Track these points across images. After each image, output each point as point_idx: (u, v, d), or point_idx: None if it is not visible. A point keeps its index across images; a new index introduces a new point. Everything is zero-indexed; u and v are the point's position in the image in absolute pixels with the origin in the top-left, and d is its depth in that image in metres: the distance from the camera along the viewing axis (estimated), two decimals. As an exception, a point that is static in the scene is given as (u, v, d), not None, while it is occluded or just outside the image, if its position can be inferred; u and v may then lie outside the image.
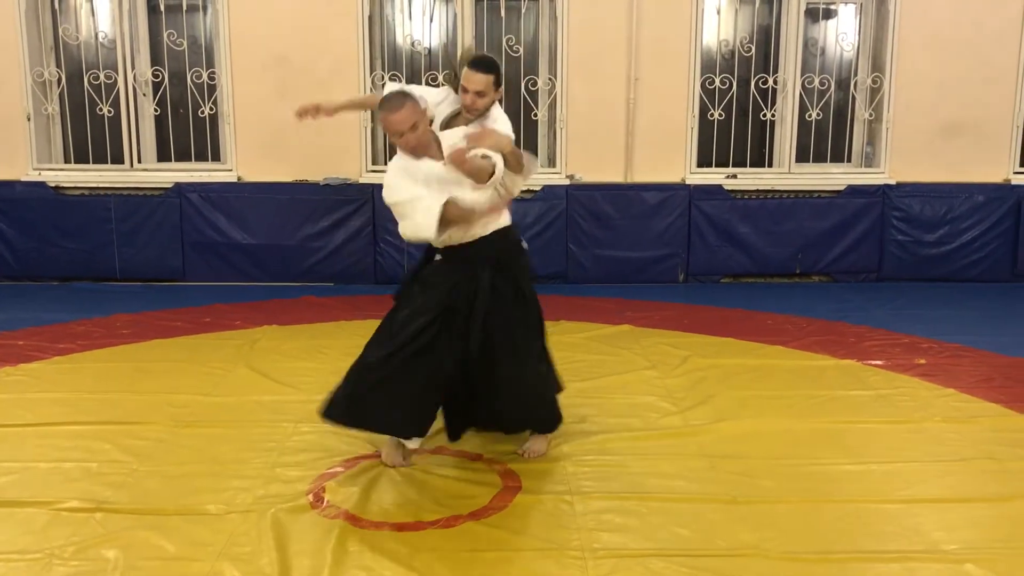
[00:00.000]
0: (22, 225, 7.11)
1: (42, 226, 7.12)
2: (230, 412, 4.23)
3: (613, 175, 7.27)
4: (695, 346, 5.33)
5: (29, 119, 7.13)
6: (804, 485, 3.47)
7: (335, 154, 7.20)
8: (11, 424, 4.07)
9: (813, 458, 3.73)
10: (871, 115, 7.40)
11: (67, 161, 7.36)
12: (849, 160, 7.56)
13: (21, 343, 5.34)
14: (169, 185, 7.14)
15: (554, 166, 7.35)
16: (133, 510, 3.25)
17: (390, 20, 7.38)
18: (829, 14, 7.44)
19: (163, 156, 7.41)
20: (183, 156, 7.38)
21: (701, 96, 7.25)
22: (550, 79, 7.24)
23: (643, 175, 7.27)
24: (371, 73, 7.18)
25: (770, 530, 3.10)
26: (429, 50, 7.34)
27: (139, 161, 7.28)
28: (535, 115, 7.33)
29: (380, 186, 7.28)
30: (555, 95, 7.20)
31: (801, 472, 3.59)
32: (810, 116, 7.36)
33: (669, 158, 7.27)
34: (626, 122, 7.19)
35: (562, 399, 4.37)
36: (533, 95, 7.29)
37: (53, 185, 7.14)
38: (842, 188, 7.29)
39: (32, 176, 7.15)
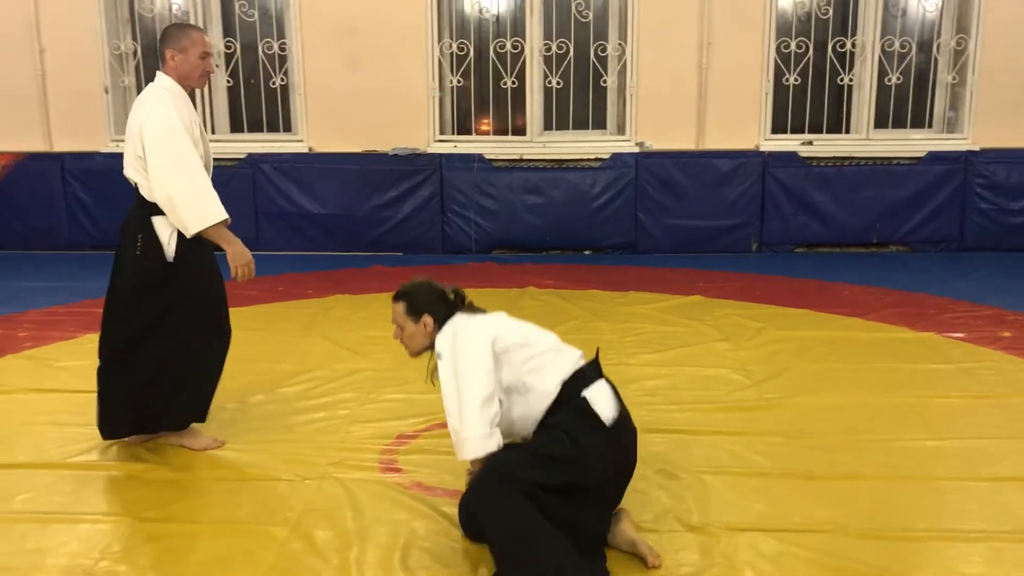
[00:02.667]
0: (101, 195, 7.29)
1: (120, 197, 7.19)
2: (304, 379, 4.28)
3: (684, 142, 7.15)
4: (769, 317, 5.23)
5: (107, 92, 7.28)
6: (883, 461, 3.39)
7: (403, 124, 7.21)
8: (92, 390, 4.13)
9: (892, 433, 3.64)
10: (954, 78, 7.14)
11: (143, 132, 7.49)
12: (930, 126, 7.30)
13: (101, 311, 5.47)
14: (242, 156, 7.24)
15: (623, 134, 7.25)
16: (210, 475, 3.32)
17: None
18: (911, -27, 7.17)
19: (236, 127, 7.50)
20: (255, 127, 7.46)
21: (776, 60, 7.07)
22: (620, 45, 7.13)
23: (715, 142, 7.13)
24: (439, 42, 7.15)
25: (848, 506, 3.03)
26: (497, 17, 7.27)
27: (213, 132, 7.39)
28: (604, 82, 7.23)
29: (447, 156, 7.31)
30: (625, 61, 7.09)
31: (880, 448, 3.50)
32: (889, 80, 7.12)
33: (742, 124, 7.11)
34: (698, 88, 7.05)
35: (633, 371, 4.36)
36: (602, 61, 7.18)
37: (130, 156, 7.28)
38: (922, 154, 7.06)
39: (110, 148, 7.31)
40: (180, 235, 3.32)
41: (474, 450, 2.71)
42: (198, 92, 7.25)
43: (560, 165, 7.20)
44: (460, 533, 2.87)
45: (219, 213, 3.30)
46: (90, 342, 4.87)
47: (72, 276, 6.52)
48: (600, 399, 2.76)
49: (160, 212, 3.31)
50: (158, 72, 3.40)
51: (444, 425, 3.64)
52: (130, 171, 3.37)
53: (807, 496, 3.12)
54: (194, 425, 3.59)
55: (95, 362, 4.51)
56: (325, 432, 3.70)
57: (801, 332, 4.97)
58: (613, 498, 2.85)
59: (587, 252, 7.25)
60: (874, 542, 2.81)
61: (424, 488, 3.20)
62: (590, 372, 2.83)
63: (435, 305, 2.92)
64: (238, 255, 3.37)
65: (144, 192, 3.34)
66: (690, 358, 4.58)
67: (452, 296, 2.96)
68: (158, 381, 3.41)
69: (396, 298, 2.97)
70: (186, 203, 3.24)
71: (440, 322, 2.89)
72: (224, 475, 3.33)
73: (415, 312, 2.91)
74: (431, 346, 2.90)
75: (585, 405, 2.73)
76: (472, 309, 2.95)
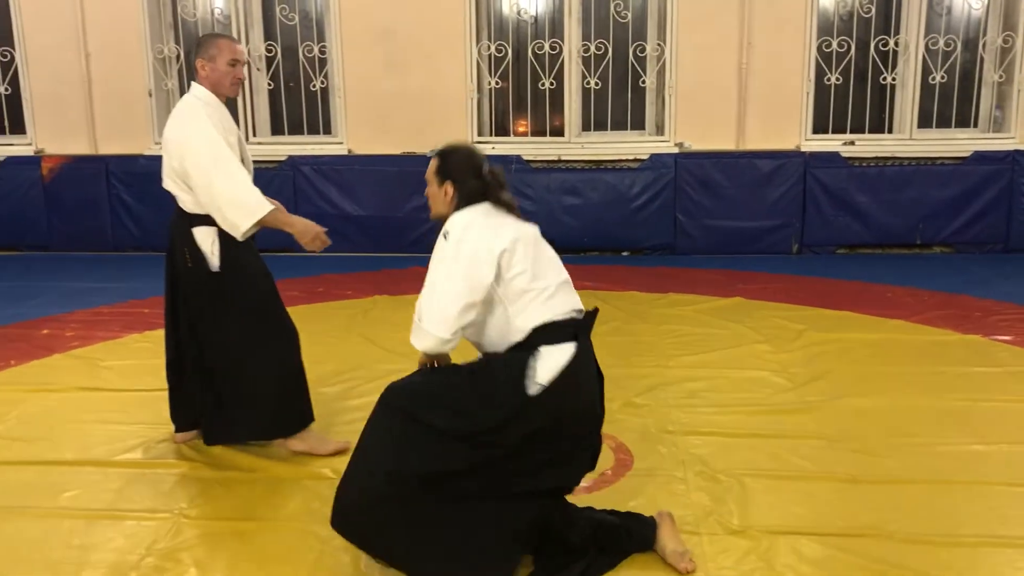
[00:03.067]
0: (145, 197, 7.40)
1: (164, 199, 7.32)
2: (343, 379, 4.31)
3: (724, 143, 7.10)
4: (810, 320, 5.17)
5: (150, 95, 7.39)
6: (928, 465, 3.34)
7: (441, 126, 7.23)
8: (138, 389, 4.25)
9: (938, 437, 3.58)
10: (1001, 77, 7.01)
11: (186, 135, 7.60)
12: (975, 125, 7.19)
13: (146, 311, 5.57)
14: (283, 158, 7.31)
15: (663, 134, 7.22)
16: (254, 474, 3.35)
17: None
18: (956, -29, 7.06)
19: (276, 130, 7.58)
20: (295, 129, 7.54)
21: (817, 60, 7.00)
22: (659, 45, 7.10)
23: (756, 142, 7.07)
24: (477, 43, 7.17)
25: (892, 511, 2.99)
26: (535, 18, 7.28)
27: (254, 135, 7.47)
28: (643, 82, 7.21)
29: (486, 157, 7.33)
30: (664, 61, 7.06)
31: (925, 451, 3.45)
32: (934, 79, 7.02)
33: (783, 125, 7.05)
34: (738, 88, 7.00)
35: (672, 373, 4.34)
36: (641, 61, 7.16)
37: (173, 159, 7.39)
38: (967, 154, 6.95)
39: (154, 150, 7.42)
40: (223, 243, 3.32)
41: (426, 346, 2.64)
42: (239, 95, 7.32)
43: (598, 166, 7.19)
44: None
45: (263, 205, 3.30)
46: (135, 342, 4.98)
47: (117, 277, 6.63)
48: (545, 365, 2.55)
49: (200, 222, 3.33)
50: (192, 82, 3.42)
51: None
52: (168, 182, 3.38)
53: (850, 500, 3.08)
54: (314, 429, 3.56)
55: (140, 361, 4.63)
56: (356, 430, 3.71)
57: (843, 334, 4.91)
58: (529, 479, 2.60)
59: (625, 253, 7.23)
60: (919, 547, 2.77)
61: (463, 488, 3.20)
62: (567, 330, 2.63)
63: (463, 176, 2.74)
64: (303, 232, 3.37)
65: (182, 203, 3.36)
66: (731, 360, 4.55)
67: (488, 176, 2.75)
68: (249, 388, 3.41)
69: (435, 153, 2.83)
70: (231, 203, 3.26)
71: (462, 197, 2.72)
72: (267, 474, 3.36)
73: (442, 175, 2.77)
74: (444, 217, 2.75)
75: (525, 364, 2.56)
76: (502, 202, 2.73)
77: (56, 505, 3.14)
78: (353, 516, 2.65)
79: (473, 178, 2.72)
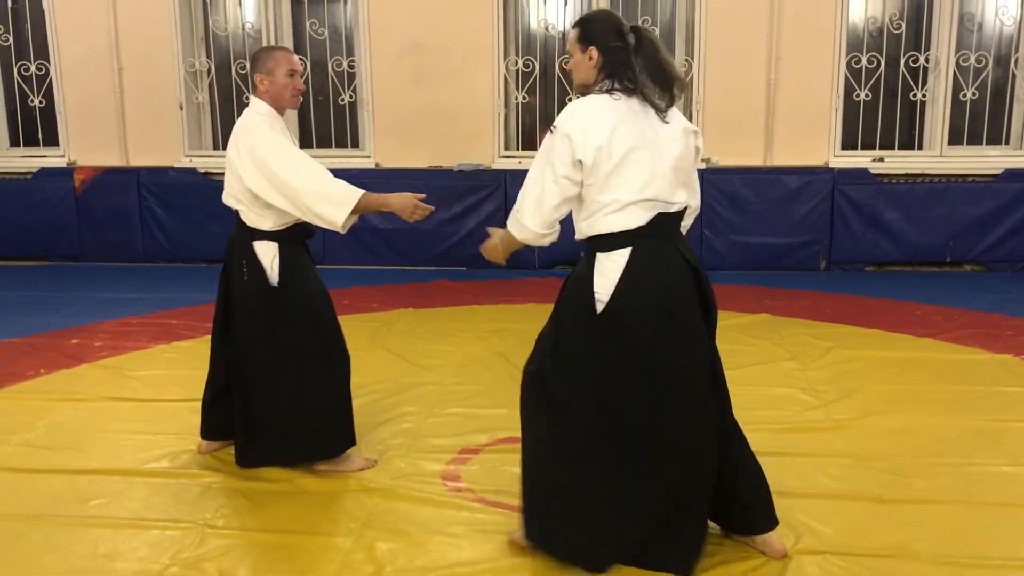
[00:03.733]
0: (175, 209, 7.49)
1: (193, 210, 7.48)
2: (368, 392, 4.32)
3: (752, 158, 7.07)
4: (838, 337, 5.13)
5: (181, 108, 7.47)
6: (957, 485, 3.29)
7: (468, 140, 7.26)
8: (165, 399, 4.29)
9: (967, 457, 3.53)
10: (1033, 93, 6.95)
11: (216, 148, 7.69)
12: (1007, 142, 7.11)
13: (174, 322, 5.62)
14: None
15: (689, 150, 7.19)
16: (277, 486, 3.36)
17: (524, 4, 7.38)
18: (988, -14, 7.00)
19: (304, 143, 7.64)
20: (323, 143, 7.60)
21: (846, 75, 6.96)
22: (686, 60, 7.09)
23: (783, 158, 7.04)
24: (505, 59, 7.20)
25: (920, 531, 2.95)
26: (563, 34, 7.29)
27: (282, 148, 7.52)
28: (670, 98, 7.19)
29: (511, 172, 7.33)
30: (691, 76, 7.05)
31: (954, 472, 3.40)
32: (964, 96, 6.95)
33: (811, 141, 7.01)
34: (766, 103, 6.97)
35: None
36: (669, 78, 7.14)
37: (203, 171, 7.48)
38: (999, 172, 6.87)
39: (184, 163, 7.50)
40: (283, 259, 3.31)
41: (524, 238, 2.70)
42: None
43: (625, 181, 7.16)
44: (524, 548, 2.86)
45: (353, 192, 3.20)
46: (162, 352, 5.03)
47: (146, 288, 6.70)
48: (602, 279, 2.62)
49: (262, 236, 3.30)
50: (252, 97, 3.41)
51: (507, 440, 3.66)
52: (230, 199, 3.37)
53: (877, 519, 3.04)
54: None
55: (167, 372, 4.67)
56: (388, 445, 3.73)
57: (871, 352, 4.86)
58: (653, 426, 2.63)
59: (651, 269, 7.19)
60: (947, 568, 2.73)
61: (487, 502, 3.20)
62: (623, 238, 2.61)
63: (607, 39, 2.67)
64: (403, 207, 3.26)
65: (244, 218, 3.34)
66: (757, 377, 4.51)
67: (631, 36, 2.65)
68: (292, 411, 3.37)
69: (576, 22, 2.79)
70: (320, 200, 3.18)
71: (607, 62, 2.65)
72: (292, 485, 3.37)
73: (585, 40, 2.71)
74: (590, 86, 2.71)
75: (590, 283, 2.63)
76: (624, 86, 2.63)
77: (82, 514, 3.17)
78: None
79: (616, 40, 2.66)
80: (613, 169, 2.58)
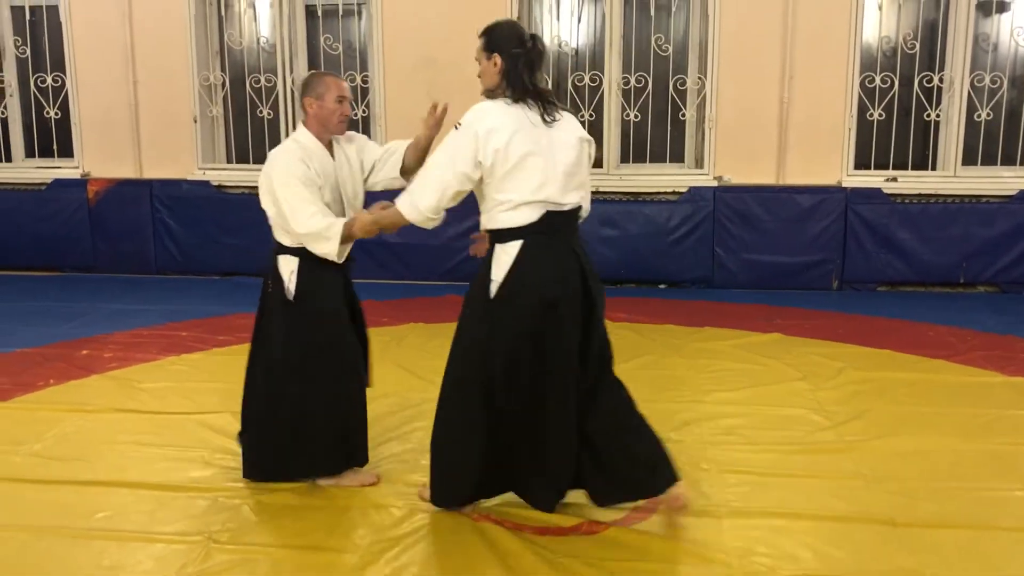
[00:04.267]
0: (187, 222, 7.51)
1: (205, 223, 7.50)
2: (375, 407, 4.31)
3: (764, 177, 7.06)
4: (850, 357, 5.09)
5: (195, 121, 7.51)
6: (969, 510, 3.26)
7: (481, 155, 7.25)
8: (173, 412, 4.29)
9: (979, 481, 3.49)
10: (1048, 114, 6.91)
11: (229, 161, 7.72)
12: (1022, 163, 7.06)
13: (184, 334, 5.63)
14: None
15: (702, 167, 7.19)
16: (284, 500, 3.35)
17: (538, 20, 7.40)
18: (1003, 7, 6.97)
19: (317, 156, 7.65)
20: (336, 156, 7.60)
21: (860, 95, 6.94)
22: (699, 78, 7.09)
23: (796, 177, 7.02)
24: (518, 74, 7.20)
25: (932, 556, 2.92)
26: (576, 50, 7.31)
27: (295, 161, 7.55)
28: (683, 115, 7.19)
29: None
30: (704, 94, 7.04)
31: (966, 496, 3.36)
32: (979, 116, 6.93)
33: (824, 159, 6.99)
34: (779, 122, 6.96)
35: (708, 408, 4.29)
36: (681, 94, 7.15)
37: (216, 184, 7.51)
38: (1014, 193, 6.83)
39: (197, 175, 7.53)
40: (300, 273, 3.36)
41: (412, 218, 3.06)
42: (283, 122, 7.44)
43: (636, 198, 7.17)
44: (528, 571, 2.84)
45: (331, 227, 3.27)
46: (172, 364, 5.03)
47: (157, 300, 6.71)
48: (497, 266, 2.99)
49: (284, 251, 3.41)
50: (299, 124, 3.46)
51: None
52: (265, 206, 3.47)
53: (888, 543, 3.01)
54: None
55: (176, 384, 4.68)
56: (397, 460, 3.71)
57: (883, 373, 4.82)
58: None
59: (662, 286, 7.18)
60: (960, 595, 2.70)
61: (493, 520, 3.18)
62: (517, 232, 2.96)
63: (508, 47, 3.00)
64: (363, 230, 3.30)
65: (274, 232, 3.45)
66: (768, 397, 4.48)
67: (530, 43, 3.00)
68: (295, 425, 3.38)
69: (481, 32, 3.13)
70: (313, 239, 3.29)
71: (509, 68, 2.99)
72: (297, 500, 3.36)
73: (488, 49, 3.06)
74: (494, 91, 3.05)
75: (488, 269, 3.01)
76: (531, 94, 2.98)
77: (88, 526, 3.16)
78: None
79: (517, 47, 2.98)
80: (509, 171, 2.91)
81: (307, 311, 3.36)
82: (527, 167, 2.91)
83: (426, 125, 3.50)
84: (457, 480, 3.16)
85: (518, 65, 2.96)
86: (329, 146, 3.45)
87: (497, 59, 3.00)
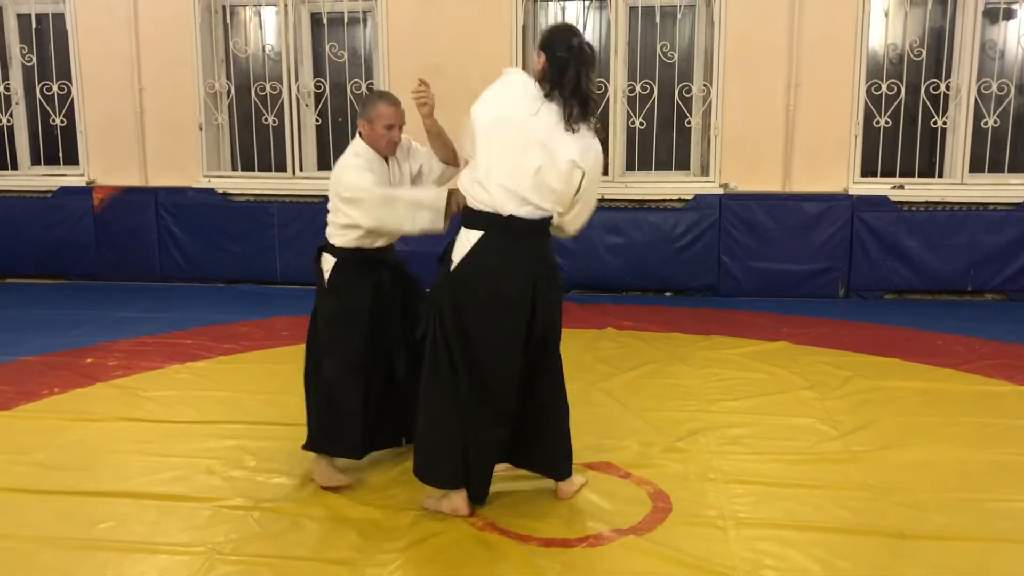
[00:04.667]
0: (192, 229, 7.51)
1: (210, 231, 7.50)
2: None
3: (770, 184, 7.03)
4: (857, 366, 5.06)
5: (201, 128, 7.51)
6: (980, 521, 3.22)
7: (486, 162, 7.25)
8: (177, 420, 4.27)
9: (989, 492, 3.46)
10: (1056, 121, 6.88)
11: (234, 169, 7.72)
12: (1029, 170, 7.04)
13: (189, 342, 5.62)
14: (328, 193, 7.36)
15: (707, 175, 7.17)
16: (288, 511, 3.33)
17: (542, 29, 7.38)
18: (1010, 14, 6.95)
19: (323, 164, 7.65)
20: (342, 164, 7.60)
21: (866, 102, 6.92)
22: (705, 86, 7.07)
23: (802, 184, 6.99)
24: (524, 82, 7.19)
25: (941, 568, 2.89)
26: (582, 58, 7.29)
27: (301, 169, 7.55)
28: (688, 123, 7.17)
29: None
30: (710, 102, 7.03)
31: (976, 507, 3.33)
32: (986, 123, 6.90)
33: (831, 167, 6.96)
34: (785, 129, 6.94)
35: (714, 418, 4.26)
36: (687, 102, 7.13)
37: (221, 192, 7.50)
38: (1021, 200, 6.80)
39: (202, 183, 7.53)
40: (335, 267, 3.55)
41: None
42: (287, 129, 7.44)
43: (642, 205, 7.15)
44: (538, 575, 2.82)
45: (438, 196, 3.40)
46: (176, 373, 5.02)
47: (162, 307, 6.70)
48: (460, 247, 3.17)
49: (326, 249, 3.60)
50: (357, 135, 3.65)
51: (514, 468, 3.62)
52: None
53: (896, 556, 2.98)
54: (339, 461, 3.63)
55: (181, 392, 4.68)
56: (395, 470, 3.68)
57: (891, 382, 4.79)
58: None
59: (668, 294, 7.16)
60: (970, 609, 2.67)
61: (497, 529, 3.15)
62: (482, 219, 3.11)
63: (553, 49, 3.13)
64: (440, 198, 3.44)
65: (329, 230, 3.61)
66: (774, 406, 4.45)
67: (576, 48, 3.10)
68: (318, 403, 3.62)
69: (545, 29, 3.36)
70: (404, 223, 3.46)
71: (551, 66, 3.11)
72: (302, 510, 3.34)
73: (540, 46, 3.19)
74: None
75: (452, 244, 3.23)
76: (564, 95, 3.09)
77: (91, 536, 3.15)
78: None
79: (563, 51, 3.08)
80: (481, 141, 3.12)
81: (333, 306, 3.58)
82: (501, 143, 3.10)
83: (419, 112, 3.68)
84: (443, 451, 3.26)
85: (556, 66, 3.08)
86: (385, 157, 3.66)
87: (543, 57, 3.14)
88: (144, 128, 7.55)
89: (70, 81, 7.62)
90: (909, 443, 3.95)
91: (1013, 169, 7.01)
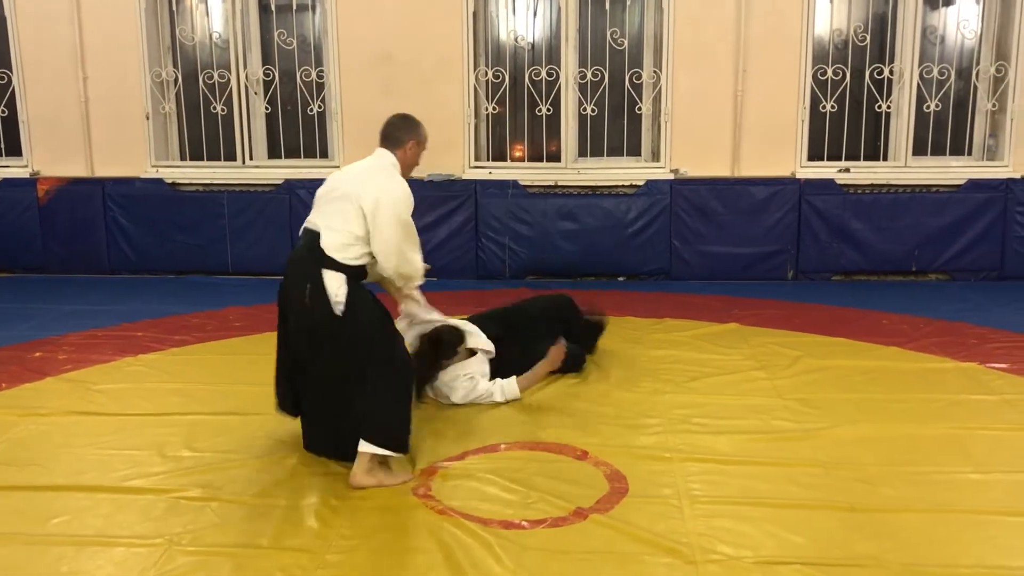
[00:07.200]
0: (140, 220, 7.40)
1: (159, 221, 7.40)
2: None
3: (719, 169, 7.13)
4: (806, 346, 5.16)
5: (148, 118, 7.39)
6: (926, 494, 3.32)
7: (439, 151, 7.17)
8: (131, 413, 4.22)
9: (935, 465, 3.56)
10: (994, 105, 7.06)
11: (183, 158, 7.62)
12: (970, 153, 7.22)
13: (140, 334, 5.54)
14: (279, 182, 7.31)
15: (658, 160, 7.24)
16: (246, 501, 3.32)
17: (494, 16, 7.39)
18: (949, 0, 7.11)
19: (273, 153, 7.59)
20: (292, 153, 7.55)
21: (812, 87, 7.04)
22: (655, 72, 7.13)
23: (751, 169, 7.10)
24: (475, 69, 7.20)
25: (890, 540, 2.97)
26: (532, 45, 7.31)
27: (251, 158, 7.48)
28: (639, 109, 7.23)
29: (482, 182, 7.33)
30: (660, 88, 7.09)
31: (922, 480, 3.43)
32: (928, 107, 7.06)
33: (778, 152, 7.08)
34: (733, 115, 7.03)
35: (668, 399, 4.32)
36: (637, 88, 7.19)
37: (170, 182, 7.40)
38: (962, 182, 6.98)
39: (150, 173, 7.42)
40: (349, 289, 3.43)
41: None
42: (237, 118, 7.36)
43: (594, 191, 7.20)
44: (492, 564, 2.84)
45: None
46: (128, 365, 4.96)
47: (111, 300, 6.60)
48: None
49: (330, 266, 3.42)
50: (384, 149, 3.72)
51: (477, 452, 3.65)
52: (323, 222, 3.53)
53: (847, 529, 3.06)
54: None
55: (133, 385, 4.62)
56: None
57: (839, 361, 4.90)
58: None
59: (621, 279, 7.23)
60: (917, 577, 2.75)
61: (457, 514, 3.17)
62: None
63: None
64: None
65: (326, 243, 3.45)
66: (726, 387, 4.53)
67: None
68: (392, 405, 3.60)
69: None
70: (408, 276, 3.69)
71: None
72: (259, 501, 3.32)
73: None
74: None
75: None
76: None
77: (45, 531, 3.10)
78: None
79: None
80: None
81: (365, 316, 3.47)
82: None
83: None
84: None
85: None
86: None
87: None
88: (89, 118, 7.42)
89: (10, 70, 7.45)
90: (857, 420, 4.04)
91: (954, 152, 7.20)
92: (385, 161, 3.70)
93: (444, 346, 4.30)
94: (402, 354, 3.60)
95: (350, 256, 3.47)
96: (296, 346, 3.56)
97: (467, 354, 4.41)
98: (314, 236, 3.50)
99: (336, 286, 3.42)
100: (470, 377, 4.31)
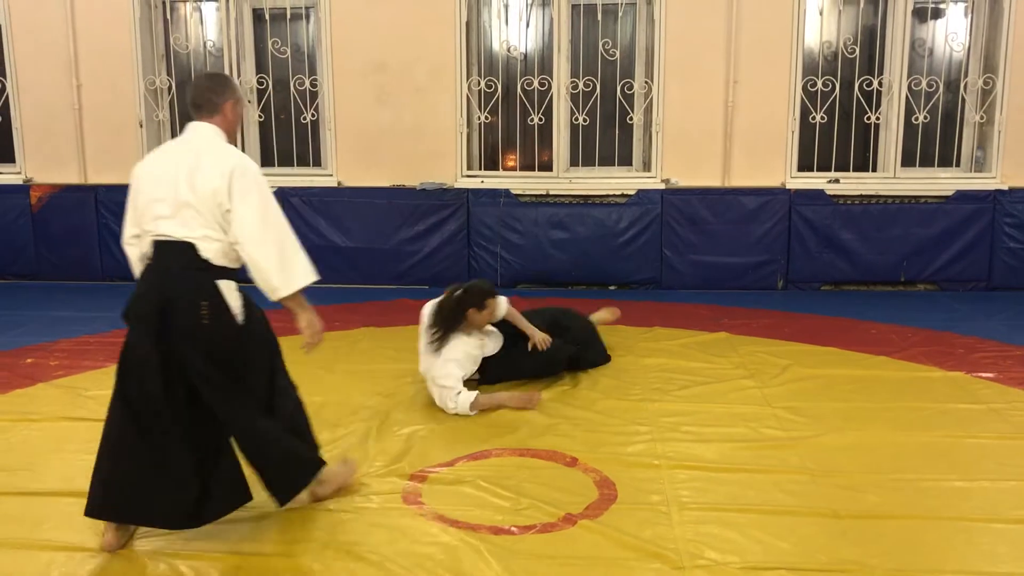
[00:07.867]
0: (133, 227, 7.40)
1: (152, 228, 7.39)
2: (329, 412, 4.31)
3: (710, 179, 7.18)
4: (795, 355, 5.20)
5: (141, 125, 7.41)
6: (911, 501, 3.35)
7: (431, 159, 7.29)
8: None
9: (920, 473, 3.60)
10: (982, 117, 7.12)
11: (176, 166, 7.61)
12: (958, 164, 7.28)
13: (132, 341, 5.53)
14: (272, 190, 7.30)
15: (649, 170, 7.29)
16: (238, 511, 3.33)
17: (486, 26, 7.44)
18: (938, 13, 7.19)
19: (266, 161, 7.61)
20: (286, 161, 7.57)
21: (802, 99, 7.09)
22: (646, 82, 7.18)
23: (741, 179, 7.15)
24: (468, 79, 7.24)
25: (875, 546, 3.00)
26: (525, 55, 7.36)
27: (243, 166, 7.48)
28: (630, 119, 7.28)
29: (474, 191, 7.34)
30: (651, 98, 7.14)
31: (908, 487, 3.46)
32: (917, 119, 7.12)
33: (769, 162, 7.13)
34: (724, 125, 7.08)
35: (657, 407, 4.35)
36: (629, 99, 7.24)
37: (163, 189, 7.40)
38: (950, 193, 7.04)
39: (143, 180, 7.42)
40: (243, 295, 3.08)
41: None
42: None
43: (586, 201, 7.24)
44: (481, 570, 2.87)
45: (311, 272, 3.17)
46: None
47: (103, 306, 6.60)
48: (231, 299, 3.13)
49: (223, 276, 3.03)
50: (199, 123, 3.12)
51: (468, 458, 3.67)
52: (178, 228, 3.02)
53: (833, 535, 3.09)
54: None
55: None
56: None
57: (827, 370, 4.94)
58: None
59: (612, 287, 7.26)
60: (901, 583, 2.78)
61: (447, 520, 3.20)
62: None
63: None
64: (313, 322, 3.26)
65: (207, 251, 3.00)
66: (715, 395, 4.56)
67: None
68: (299, 424, 3.47)
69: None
70: (280, 265, 3.07)
71: None
72: (250, 507, 3.33)
73: None
74: None
75: None
76: None
77: (35, 536, 3.11)
78: None
79: None
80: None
81: (254, 334, 3.19)
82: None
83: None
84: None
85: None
86: None
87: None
88: (83, 125, 7.44)
89: (4, 77, 7.47)
90: (845, 428, 4.08)
91: (943, 163, 7.26)
92: (204, 136, 3.12)
93: (473, 293, 4.42)
94: (281, 366, 3.41)
95: (235, 258, 3.05)
96: (179, 377, 3.12)
97: (483, 334, 4.60)
98: (183, 248, 2.99)
99: (234, 297, 3.04)
100: (457, 363, 4.36)
